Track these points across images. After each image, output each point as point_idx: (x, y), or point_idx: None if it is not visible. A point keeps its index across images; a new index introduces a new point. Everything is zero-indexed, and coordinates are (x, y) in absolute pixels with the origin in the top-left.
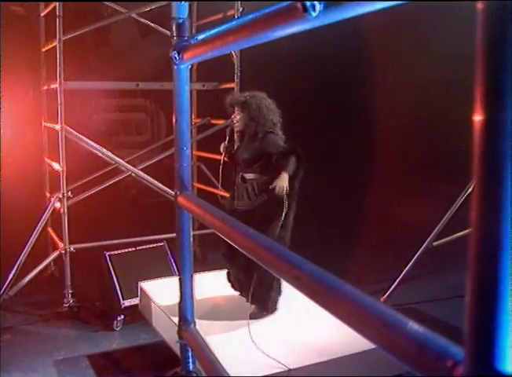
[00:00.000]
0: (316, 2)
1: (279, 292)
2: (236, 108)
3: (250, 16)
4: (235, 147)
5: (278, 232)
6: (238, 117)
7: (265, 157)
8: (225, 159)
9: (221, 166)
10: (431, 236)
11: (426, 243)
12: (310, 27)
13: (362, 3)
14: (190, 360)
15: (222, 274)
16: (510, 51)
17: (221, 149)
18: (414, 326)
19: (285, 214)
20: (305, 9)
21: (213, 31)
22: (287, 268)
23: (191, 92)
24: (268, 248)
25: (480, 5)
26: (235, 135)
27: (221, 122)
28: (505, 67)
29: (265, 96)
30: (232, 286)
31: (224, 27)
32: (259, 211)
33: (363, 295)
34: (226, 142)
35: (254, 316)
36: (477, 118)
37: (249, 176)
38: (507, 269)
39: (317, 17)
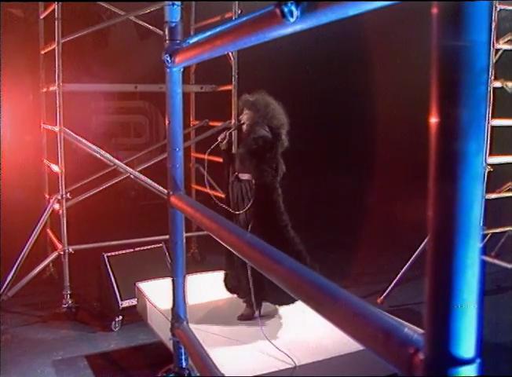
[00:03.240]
0: (293, 8)
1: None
2: (245, 108)
3: (237, 21)
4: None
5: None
6: (245, 116)
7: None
8: (224, 153)
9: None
10: (428, 237)
11: (423, 245)
12: (291, 32)
13: (339, 9)
14: (183, 357)
15: (220, 275)
16: (464, 55)
17: (220, 137)
18: (382, 316)
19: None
20: (283, 15)
21: (203, 35)
22: (268, 263)
23: (189, 94)
24: (252, 245)
25: (434, 10)
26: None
27: (219, 124)
28: (459, 71)
29: (271, 99)
30: (227, 288)
31: (213, 31)
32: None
33: (337, 287)
34: (227, 133)
35: (246, 317)
36: (433, 120)
37: (243, 176)
38: (461, 263)
39: (296, 22)
